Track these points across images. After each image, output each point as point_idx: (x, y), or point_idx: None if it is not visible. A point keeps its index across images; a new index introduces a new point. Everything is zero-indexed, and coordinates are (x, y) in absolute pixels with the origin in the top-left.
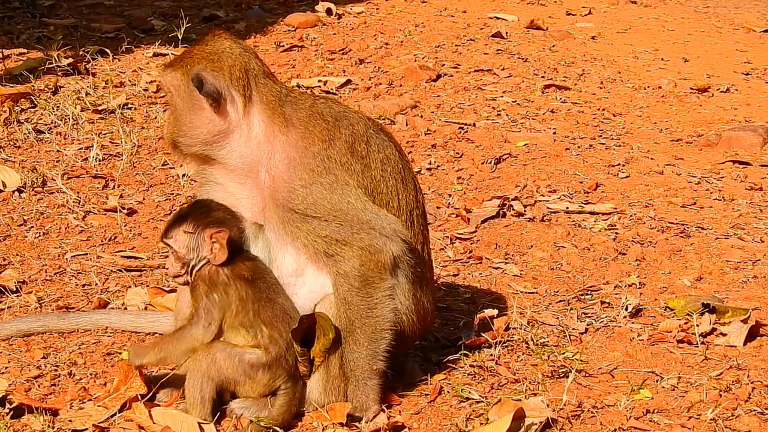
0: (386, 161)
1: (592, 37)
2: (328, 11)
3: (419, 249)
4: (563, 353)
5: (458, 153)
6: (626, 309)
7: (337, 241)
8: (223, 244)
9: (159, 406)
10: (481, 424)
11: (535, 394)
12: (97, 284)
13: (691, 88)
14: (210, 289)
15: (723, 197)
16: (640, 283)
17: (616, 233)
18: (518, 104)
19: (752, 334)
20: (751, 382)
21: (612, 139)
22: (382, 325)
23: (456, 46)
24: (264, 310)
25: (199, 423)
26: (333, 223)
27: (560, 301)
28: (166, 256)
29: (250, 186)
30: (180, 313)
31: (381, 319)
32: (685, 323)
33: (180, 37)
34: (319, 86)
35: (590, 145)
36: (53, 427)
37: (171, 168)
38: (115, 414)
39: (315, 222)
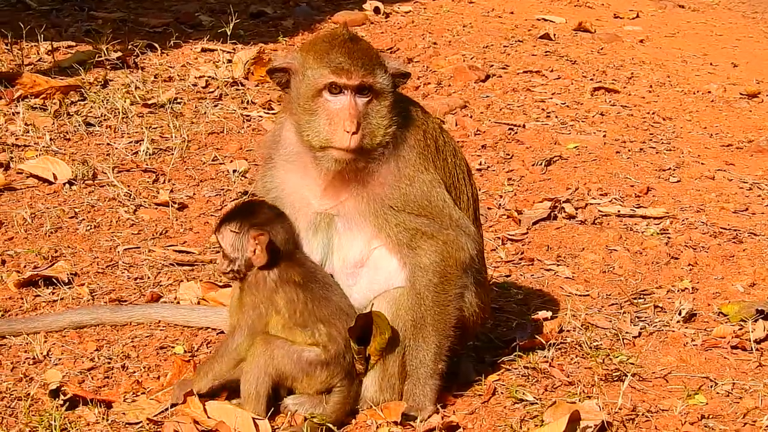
0: (455, 154)
1: (641, 41)
2: (376, 10)
3: (481, 249)
4: (617, 357)
5: (508, 154)
6: (680, 314)
7: (423, 234)
8: (264, 248)
9: (213, 400)
10: (536, 425)
11: (589, 397)
12: (149, 278)
13: (741, 94)
14: (257, 301)
15: None
16: (693, 288)
17: (669, 238)
18: (567, 106)
19: None
20: None
21: (662, 143)
22: (451, 323)
23: (504, 47)
24: (319, 309)
25: (253, 418)
26: (425, 218)
27: (613, 304)
28: (218, 252)
29: (330, 176)
30: (233, 309)
31: (451, 316)
32: (739, 329)
33: (229, 33)
34: None
35: (640, 149)
36: (107, 420)
37: (221, 164)
38: (168, 408)
39: (406, 215)
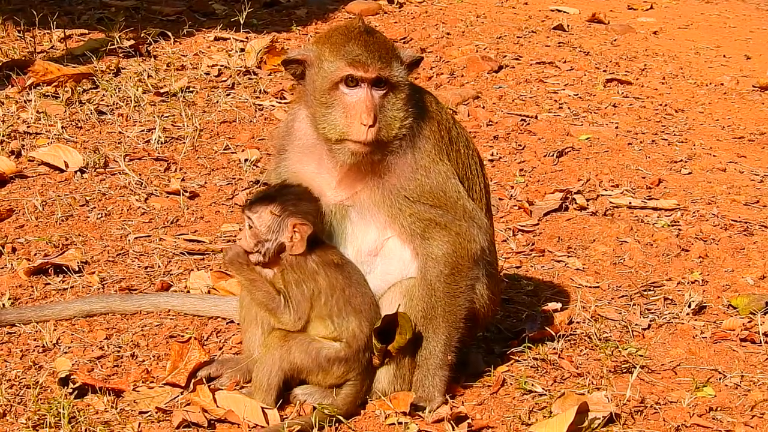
0: (468, 145)
1: (654, 32)
2: (390, 0)
3: (493, 241)
4: (626, 348)
5: (520, 145)
6: (689, 306)
7: (437, 225)
8: (304, 237)
9: (222, 389)
10: (544, 417)
11: (598, 389)
12: (159, 266)
13: (753, 86)
14: (300, 278)
15: None
16: (702, 280)
17: (679, 230)
18: (580, 97)
19: None
20: None
21: (674, 135)
22: (461, 314)
23: (517, 37)
24: (355, 297)
25: (262, 408)
26: (440, 209)
27: (623, 296)
28: (240, 230)
29: (346, 168)
30: (245, 300)
31: (461, 308)
32: (749, 322)
33: (242, 22)
34: None
35: (652, 141)
36: (116, 408)
37: (233, 153)
38: (182, 392)
39: (420, 206)
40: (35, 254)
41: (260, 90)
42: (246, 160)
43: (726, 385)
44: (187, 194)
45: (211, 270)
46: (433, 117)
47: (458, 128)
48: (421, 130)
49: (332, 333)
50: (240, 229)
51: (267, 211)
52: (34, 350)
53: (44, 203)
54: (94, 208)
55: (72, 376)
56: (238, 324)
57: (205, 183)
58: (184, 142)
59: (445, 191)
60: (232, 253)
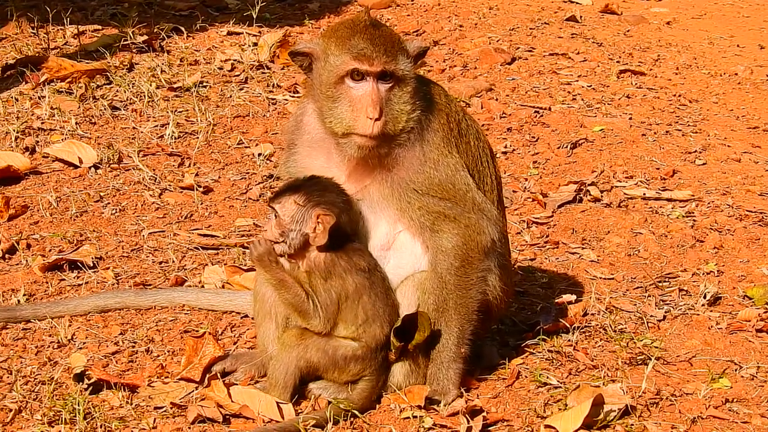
0: (478, 138)
1: (667, 23)
2: None
3: (504, 233)
4: (641, 340)
5: (534, 137)
6: (704, 297)
7: (446, 217)
8: (327, 228)
9: (236, 384)
10: (560, 409)
11: (613, 381)
12: (173, 261)
13: None
14: (328, 283)
15: None
16: (718, 271)
17: (694, 220)
18: (593, 89)
19: None
20: None
21: (688, 125)
22: (473, 307)
23: (530, 29)
24: (380, 301)
25: (277, 403)
26: (449, 201)
27: (638, 287)
28: (259, 226)
29: (354, 162)
30: (259, 294)
31: (473, 300)
32: (765, 312)
33: (254, 16)
34: None
35: (666, 132)
36: (131, 404)
37: (246, 147)
38: (197, 387)
39: (429, 199)
40: (50, 250)
41: (273, 84)
42: (260, 154)
43: (742, 377)
44: (201, 189)
45: (225, 265)
46: (442, 109)
47: (468, 120)
48: (430, 122)
49: (353, 334)
50: (257, 225)
51: (291, 201)
52: (49, 346)
53: (59, 199)
54: (108, 203)
55: (87, 372)
56: (252, 318)
57: (219, 178)
58: (198, 137)
59: (453, 183)
60: (261, 249)
